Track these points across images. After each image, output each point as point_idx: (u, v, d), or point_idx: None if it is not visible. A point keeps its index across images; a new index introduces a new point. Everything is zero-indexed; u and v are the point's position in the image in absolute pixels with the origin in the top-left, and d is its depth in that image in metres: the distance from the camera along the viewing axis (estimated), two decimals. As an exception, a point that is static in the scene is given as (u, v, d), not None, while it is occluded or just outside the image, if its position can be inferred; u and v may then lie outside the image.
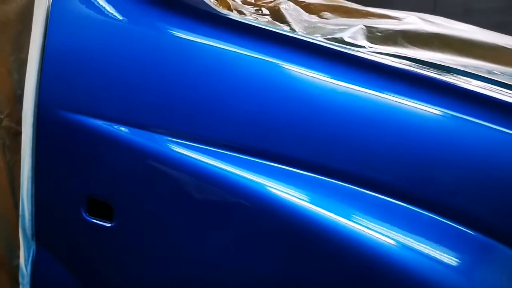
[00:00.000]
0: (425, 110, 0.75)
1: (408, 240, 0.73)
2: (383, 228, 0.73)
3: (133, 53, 0.87)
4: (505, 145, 0.73)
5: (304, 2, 0.92)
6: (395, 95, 0.75)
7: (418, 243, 0.73)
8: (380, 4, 3.12)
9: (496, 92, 0.74)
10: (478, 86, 0.74)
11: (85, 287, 0.92)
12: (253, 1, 0.92)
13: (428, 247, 0.72)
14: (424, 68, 0.76)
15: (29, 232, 0.94)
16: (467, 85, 0.74)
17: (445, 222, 0.72)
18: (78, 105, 0.87)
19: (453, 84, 0.73)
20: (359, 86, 0.76)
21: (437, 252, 0.73)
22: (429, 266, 0.71)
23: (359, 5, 1.04)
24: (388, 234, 0.73)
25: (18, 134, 0.92)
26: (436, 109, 0.75)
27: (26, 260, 0.96)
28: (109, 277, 0.89)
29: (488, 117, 0.73)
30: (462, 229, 0.72)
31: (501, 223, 0.72)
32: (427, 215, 0.73)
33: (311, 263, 0.74)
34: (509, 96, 0.74)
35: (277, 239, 0.76)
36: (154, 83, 0.85)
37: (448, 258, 0.72)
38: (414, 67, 0.76)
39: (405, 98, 0.74)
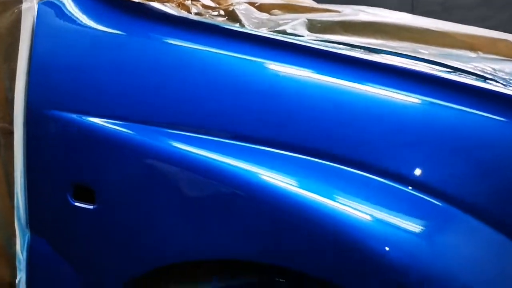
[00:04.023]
0: (356, 87, 0.89)
1: (370, 209, 0.82)
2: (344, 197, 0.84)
3: (104, 55, 1.02)
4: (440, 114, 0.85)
5: (257, 3, 1.07)
6: (327, 75, 0.89)
7: (379, 211, 0.82)
8: (358, 2, 3.26)
9: (417, 66, 0.88)
10: (400, 62, 0.88)
11: (75, 266, 1.06)
12: (212, 5, 1.07)
13: (391, 216, 0.81)
14: (354, 50, 0.90)
15: (23, 221, 1.08)
16: (389, 61, 0.88)
17: (406, 191, 0.83)
18: (61, 104, 1.03)
19: (377, 61, 0.87)
20: (297, 68, 0.91)
21: (399, 219, 0.82)
22: (390, 233, 0.81)
23: (307, 2, 1.18)
24: (350, 204, 0.83)
25: (11, 133, 1.07)
26: (368, 85, 0.89)
27: (22, 247, 1.10)
28: (94, 254, 1.03)
29: (412, 88, 0.87)
30: (422, 197, 0.83)
31: (463, 192, 0.82)
32: (389, 184, 0.84)
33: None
34: (428, 68, 0.87)
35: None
36: (124, 79, 1.00)
37: (409, 225, 0.82)
38: (343, 50, 0.90)
39: (334, 77, 0.89)
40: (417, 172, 0.83)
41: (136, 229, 0.98)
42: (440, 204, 0.81)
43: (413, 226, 0.83)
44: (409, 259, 0.80)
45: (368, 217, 0.82)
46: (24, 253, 1.09)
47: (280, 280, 0.98)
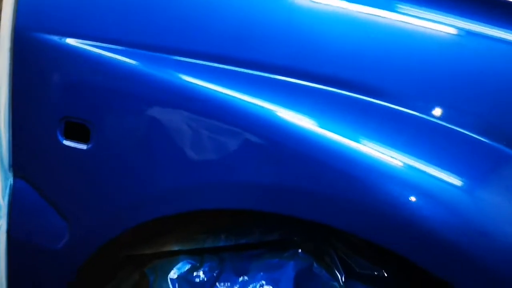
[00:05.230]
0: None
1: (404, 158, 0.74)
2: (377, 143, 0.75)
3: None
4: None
5: None
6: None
7: (416, 158, 0.74)
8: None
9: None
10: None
11: (63, 214, 0.93)
12: None
13: (426, 163, 0.73)
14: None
15: (6, 162, 0.95)
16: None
17: (451, 128, 0.74)
18: (54, 26, 0.89)
19: None
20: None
21: (438, 168, 0.73)
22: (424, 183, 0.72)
23: None
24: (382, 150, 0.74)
25: (-5, 60, 0.94)
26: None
27: (3, 192, 0.97)
28: (86, 199, 0.90)
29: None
30: (470, 135, 0.74)
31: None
32: (428, 120, 0.74)
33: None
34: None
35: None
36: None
37: (449, 174, 0.73)
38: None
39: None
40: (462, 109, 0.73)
41: (136, 173, 0.86)
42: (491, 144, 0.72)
43: (454, 173, 0.73)
44: (445, 213, 0.71)
45: (399, 163, 0.73)
46: (6, 199, 0.97)
47: (294, 238, 0.87)
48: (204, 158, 0.82)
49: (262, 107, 0.78)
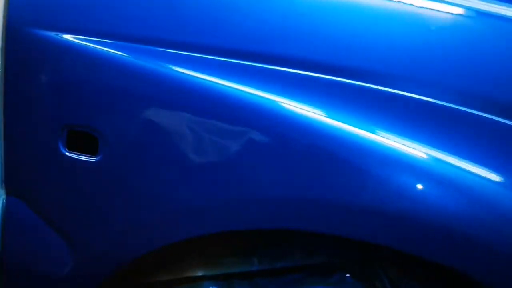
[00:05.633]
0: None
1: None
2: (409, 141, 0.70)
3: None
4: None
5: None
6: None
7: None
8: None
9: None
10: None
11: (65, 237, 0.82)
12: None
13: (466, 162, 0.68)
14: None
15: (-3, 176, 0.83)
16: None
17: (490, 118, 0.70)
18: (50, 20, 0.78)
19: None
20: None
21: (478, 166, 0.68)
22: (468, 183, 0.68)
23: None
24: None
25: (-14, 60, 0.82)
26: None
27: (-5, 212, 0.85)
28: (94, 220, 0.79)
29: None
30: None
31: None
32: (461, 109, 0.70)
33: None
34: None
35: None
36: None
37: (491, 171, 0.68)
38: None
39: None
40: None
41: (152, 189, 0.76)
42: None
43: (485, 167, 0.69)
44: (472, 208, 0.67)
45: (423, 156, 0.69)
46: (-2, 221, 0.85)
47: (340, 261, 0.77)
48: (234, 171, 0.72)
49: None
